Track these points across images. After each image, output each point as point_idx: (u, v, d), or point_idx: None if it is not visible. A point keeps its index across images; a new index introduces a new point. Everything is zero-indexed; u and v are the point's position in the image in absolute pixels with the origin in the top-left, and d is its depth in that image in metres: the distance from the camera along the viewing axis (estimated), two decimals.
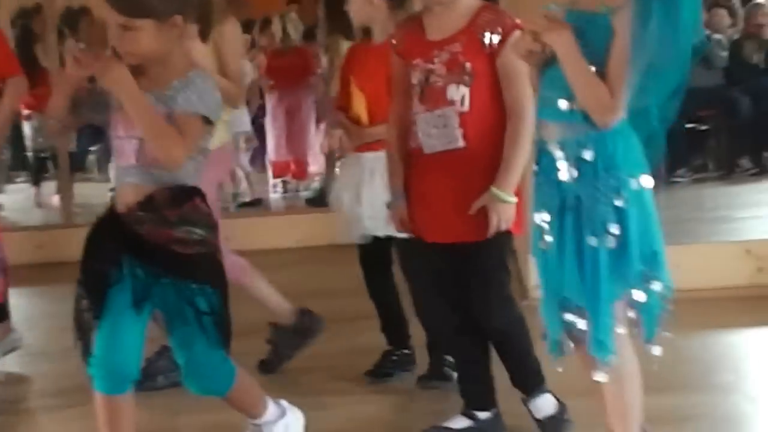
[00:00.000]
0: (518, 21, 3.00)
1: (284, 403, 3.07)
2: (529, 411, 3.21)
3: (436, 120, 3.01)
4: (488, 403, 3.24)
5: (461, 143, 3.01)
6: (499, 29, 2.98)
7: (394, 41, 3.19)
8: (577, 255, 2.57)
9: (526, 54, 2.63)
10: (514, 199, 3.01)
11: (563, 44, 2.52)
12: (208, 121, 2.73)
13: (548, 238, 2.65)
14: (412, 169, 3.15)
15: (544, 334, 2.74)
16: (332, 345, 4.37)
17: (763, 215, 6.29)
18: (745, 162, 8.20)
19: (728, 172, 8.16)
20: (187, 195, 2.74)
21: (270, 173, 8.39)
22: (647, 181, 2.61)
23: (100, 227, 2.81)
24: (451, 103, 3.00)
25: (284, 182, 8.42)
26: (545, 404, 3.20)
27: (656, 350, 2.64)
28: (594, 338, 2.59)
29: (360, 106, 3.79)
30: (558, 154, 2.61)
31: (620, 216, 2.55)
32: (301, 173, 8.28)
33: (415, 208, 3.14)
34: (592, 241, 2.55)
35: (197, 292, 2.73)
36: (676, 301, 4.00)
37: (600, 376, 2.63)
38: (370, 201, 3.67)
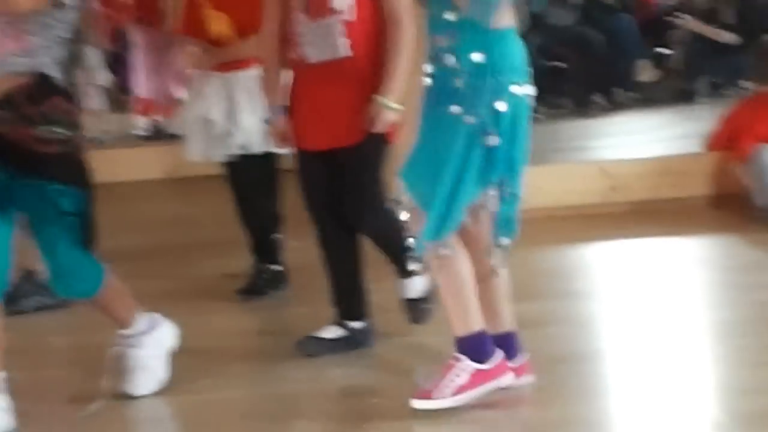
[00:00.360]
0: None
1: (157, 315, 3.05)
2: (399, 290, 3.32)
3: (321, 30, 3.05)
4: (361, 313, 3.33)
5: (347, 52, 3.05)
6: None
7: None
8: (441, 151, 2.67)
9: None
10: (399, 107, 3.08)
11: None
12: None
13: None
14: (295, 80, 3.17)
15: None
16: (201, 269, 4.37)
17: (616, 144, 6.61)
18: (598, 98, 8.53)
19: (583, 108, 8.48)
20: (47, 92, 2.67)
21: (135, 110, 8.17)
22: (528, 89, 2.73)
23: None
24: (337, 12, 3.03)
25: (153, 120, 8.22)
26: (414, 287, 3.30)
27: (503, 252, 2.79)
28: (431, 225, 2.69)
29: (222, 26, 3.76)
30: (451, 60, 2.69)
31: (497, 119, 2.66)
32: (168, 111, 8.09)
33: (298, 119, 3.16)
34: (471, 139, 2.65)
35: (61, 192, 2.70)
36: (536, 219, 4.21)
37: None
38: (249, 119, 3.67)
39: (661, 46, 8.69)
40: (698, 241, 4.56)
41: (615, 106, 8.40)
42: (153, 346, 2.99)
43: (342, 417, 2.95)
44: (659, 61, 8.90)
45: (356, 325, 3.31)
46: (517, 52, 2.74)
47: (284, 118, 3.19)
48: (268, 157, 3.73)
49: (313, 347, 3.28)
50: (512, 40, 2.74)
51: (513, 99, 2.70)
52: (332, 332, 3.30)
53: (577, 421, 2.76)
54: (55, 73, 2.71)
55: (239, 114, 3.72)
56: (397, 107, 3.08)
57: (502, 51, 2.69)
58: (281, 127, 3.20)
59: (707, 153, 5.16)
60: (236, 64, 3.73)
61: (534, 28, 7.43)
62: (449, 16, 2.68)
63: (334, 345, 3.28)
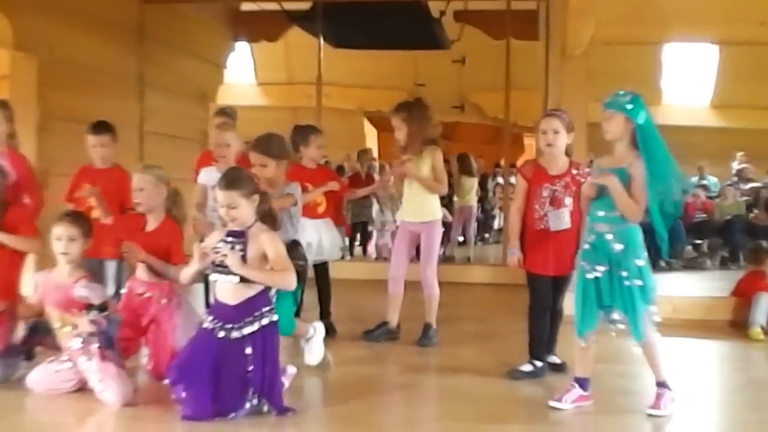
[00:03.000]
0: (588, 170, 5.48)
1: None
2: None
3: (560, 214, 5.58)
4: (541, 357, 5.75)
5: (569, 225, 5.60)
6: (582, 172, 5.58)
7: (524, 171, 5.68)
8: (621, 287, 4.84)
9: (590, 190, 5.01)
10: None
11: (613, 184, 4.79)
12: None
13: (592, 276, 4.88)
14: (531, 234, 5.66)
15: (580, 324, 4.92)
16: None
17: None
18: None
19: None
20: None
21: None
22: (645, 256, 4.86)
23: None
24: (566, 205, 5.59)
25: None
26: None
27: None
28: (633, 327, 4.80)
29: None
30: (609, 236, 4.87)
31: (640, 270, 4.83)
32: None
33: (537, 257, 5.65)
34: (632, 281, 4.81)
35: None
36: None
37: (635, 347, 4.81)
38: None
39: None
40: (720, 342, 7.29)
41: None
42: None
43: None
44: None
45: (538, 363, 5.73)
46: (639, 235, 4.93)
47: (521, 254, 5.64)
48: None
49: (515, 375, 5.70)
50: (637, 228, 4.91)
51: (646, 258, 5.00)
52: (527, 367, 5.77)
53: None
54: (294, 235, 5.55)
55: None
56: None
57: (635, 233, 4.87)
58: (520, 257, 5.64)
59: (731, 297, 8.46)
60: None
61: None
62: (611, 213, 4.89)
63: (526, 375, 5.72)
